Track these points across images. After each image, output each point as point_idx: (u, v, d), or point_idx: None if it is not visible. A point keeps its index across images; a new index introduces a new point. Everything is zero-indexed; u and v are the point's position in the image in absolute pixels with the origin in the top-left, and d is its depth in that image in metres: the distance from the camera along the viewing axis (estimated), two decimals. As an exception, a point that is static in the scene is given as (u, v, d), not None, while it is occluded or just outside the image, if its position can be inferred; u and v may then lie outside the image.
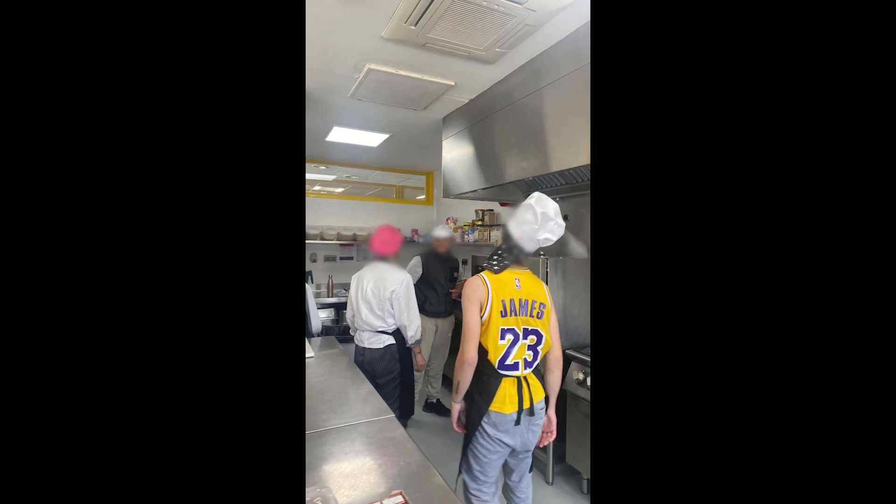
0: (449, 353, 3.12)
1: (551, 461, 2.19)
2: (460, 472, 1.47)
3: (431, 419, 2.96)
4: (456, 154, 2.76)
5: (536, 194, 1.38)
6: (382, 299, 2.06)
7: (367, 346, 2.12)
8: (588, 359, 2.02)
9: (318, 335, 2.46)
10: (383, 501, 0.90)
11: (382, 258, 2.16)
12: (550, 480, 2.18)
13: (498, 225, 3.63)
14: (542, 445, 1.47)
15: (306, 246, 3.94)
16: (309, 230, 3.94)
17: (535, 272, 1.90)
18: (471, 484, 1.42)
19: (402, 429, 1.28)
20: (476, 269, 3.05)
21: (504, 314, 1.32)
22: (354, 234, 4.19)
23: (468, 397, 1.39)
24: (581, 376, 2.02)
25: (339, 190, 5.49)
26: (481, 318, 1.32)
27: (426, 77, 2.18)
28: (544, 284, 1.44)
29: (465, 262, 3.86)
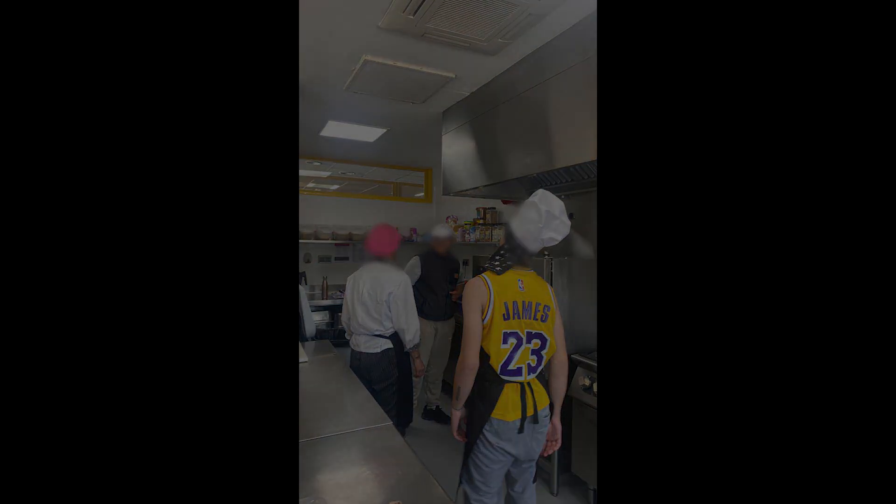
0: (449, 358, 3.10)
1: (556, 471, 2.16)
2: (461, 482, 1.45)
3: (431, 427, 2.93)
4: (456, 150, 2.73)
5: (540, 191, 1.37)
6: (379, 301, 2.04)
7: (363, 350, 2.10)
8: (594, 364, 2.01)
9: (313, 339, 2.44)
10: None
11: (379, 258, 2.14)
12: (555, 491, 2.16)
13: (500, 224, 3.62)
14: (546, 454, 1.45)
15: (300, 246, 3.94)
16: (302, 229, 3.93)
17: (539, 273, 1.88)
18: (472, 494, 1.41)
19: (399, 437, 1.28)
20: (477, 270, 3.03)
21: (507, 317, 1.30)
22: (350, 234, 4.17)
23: (469, 404, 1.38)
24: (587, 382, 2.00)
25: (335, 187, 5.48)
26: (483, 321, 1.31)
27: (425, 69, 2.15)
28: (549, 286, 1.43)
29: (465, 263, 3.85)
